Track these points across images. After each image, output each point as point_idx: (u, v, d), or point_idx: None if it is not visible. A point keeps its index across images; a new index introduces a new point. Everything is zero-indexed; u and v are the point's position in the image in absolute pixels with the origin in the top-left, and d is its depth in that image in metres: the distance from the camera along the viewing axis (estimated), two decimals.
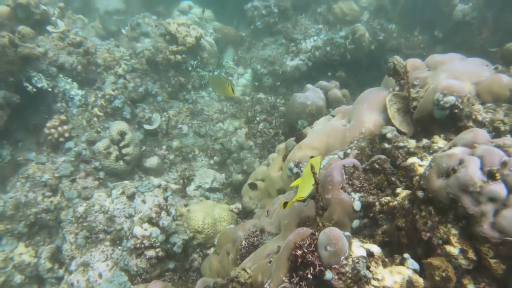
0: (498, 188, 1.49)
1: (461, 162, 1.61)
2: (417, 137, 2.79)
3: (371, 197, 2.41)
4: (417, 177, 2.25)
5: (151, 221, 3.58)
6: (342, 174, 2.46)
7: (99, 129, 5.11)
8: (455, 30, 5.18)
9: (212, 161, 5.49)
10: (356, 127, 3.02)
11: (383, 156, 2.51)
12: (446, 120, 2.60)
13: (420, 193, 1.80)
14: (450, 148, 1.79)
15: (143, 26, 5.91)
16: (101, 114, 5.12)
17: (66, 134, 5.03)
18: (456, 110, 2.52)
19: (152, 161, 5.17)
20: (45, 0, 5.34)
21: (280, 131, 5.38)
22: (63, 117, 5.13)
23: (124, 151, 4.81)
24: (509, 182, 1.49)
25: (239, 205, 4.18)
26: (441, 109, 2.55)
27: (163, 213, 3.69)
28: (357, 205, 2.32)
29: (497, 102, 2.75)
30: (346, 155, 2.88)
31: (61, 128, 4.98)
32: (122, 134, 4.80)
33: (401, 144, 2.54)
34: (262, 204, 3.71)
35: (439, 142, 2.51)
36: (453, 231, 1.66)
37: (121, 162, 4.87)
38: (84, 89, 5.32)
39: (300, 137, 3.55)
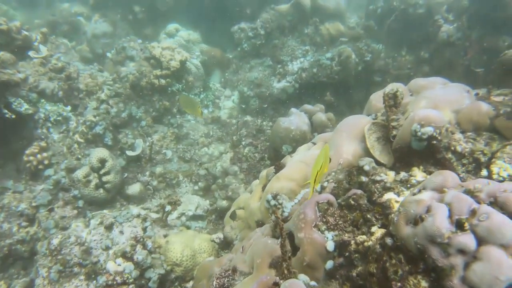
0: (467, 240, 1.36)
1: (428, 209, 1.48)
2: (396, 168, 2.68)
3: (346, 235, 2.27)
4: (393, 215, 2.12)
5: (125, 256, 3.42)
6: (316, 212, 2.33)
7: (79, 156, 4.99)
8: (440, 50, 5.13)
9: (196, 187, 5.35)
10: (334, 158, 2.90)
11: (359, 191, 2.38)
12: (424, 151, 2.49)
13: (388, 240, 1.67)
14: (419, 191, 1.67)
15: (129, 49, 5.86)
16: (81, 140, 5.01)
17: (46, 162, 4.90)
18: (434, 142, 2.41)
19: (134, 188, 5.03)
20: (27, 26, 5.29)
21: (266, 155, 5.26)
22: (43, 143, 5.01)
23: (104, 178, 4.68)
24: (479, 232, 1.36)
25: (221, 235, 4.02)
26: (419, 141, 2.44)
27: (139, 247, 3.53)
28: (330, 246, 2.18)
29: (478, 131, 2.65)
30: (323, 188, 2.75)
31: (40, 155, 4.86)
32: (103, 161, 4.67)
33: (378, 178, 2.42)
34: (242, 236, 3.55)
35: (418, 175, 2.38)
36: (423, 283, 1.52)
37: (101, 190, 4.73)
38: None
39: (279, 167, 3.43)
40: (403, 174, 2.42)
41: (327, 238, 2.22)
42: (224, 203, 4.99)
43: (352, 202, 2.34)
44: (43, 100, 5.01)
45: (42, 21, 7.37)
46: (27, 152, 4.84)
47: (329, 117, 4.67)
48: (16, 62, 4.99)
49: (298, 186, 3.07)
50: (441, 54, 5.20)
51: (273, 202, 3.13)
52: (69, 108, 5.07)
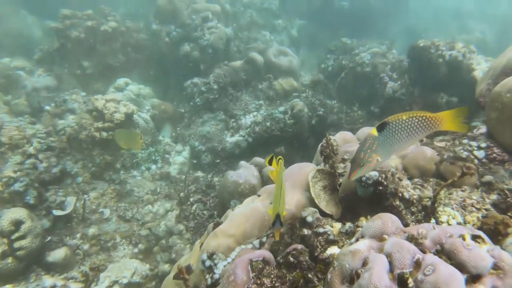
0: None
1: (365, 262, 1.16)
2: (345, 219, 2.38)
3: None
4: None
5: None
6: (248, 272, 1.92)
7: None
8: (388, 105, 5.22)
9: (136, 250, 4.73)
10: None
11: (300, 246, 2.03)
12: (371, 198, 2.23)
13: None
14: (357, 240, 1.36)
15: (70, 102, 5.51)
16: None
17: None
18: (380, 187, 2.16)
19: (57, 254, 4.31)
20: None
21: (215, 212, 4.82)
22: None
23: (17, 244, 3.95)
24: None
25: None
26: (364, 187, 2.19)
27: None
28: None
29: (425, 176, 2.47)
30: (262, 244, 2.38)
31: None
32: (18, 223, 4.00)
33: (321, 230, 2.11)
34: None
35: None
36: None
37: (10, 260, 3.95)
38: None
39: (217, 225, 3.03)
40: (348, 225, 2.12)
41: None
42: (167, 267, 4.40)
43: (292, 260, 1.98)
44: None
45: None
46: None
47: None
48: None
49: (236, 243, 2.66)
50: (389, 109, 5.29)
51: (208, 263, 2.67)
52: None
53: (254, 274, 1.94)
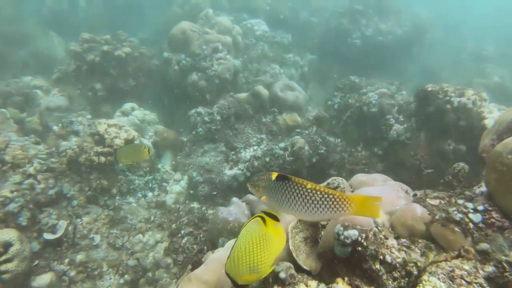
0: None
1: None
2: (322, 277, 2.23)
3: None
4: None
5: None
6: None
7: None
8: (391, 148, 5.08)
9: (122, 281, 4.60)
10: None
11: None
12: (350, 259, 2.08)
13: None
14: None
15: (75, 124, 5.59)
16: None
17: None
18: (359, 248, 2.02)
19: (42, 280, 4.24)
20: None
21: (205, 247, 4.67)
22: None
23: (3, 267, 3.92)
24: None
25: None
26: (342, 246, 2.05)
27: None
28: None
29: (413, 237, 2.30)
30: None
31: None
32: (7, 245, 3.98)
33: None
34: None
35: None
36: None
37: None
38: None
39: (196, 264, 2.90)
40: (322, 287, 1.97)
41: None
42: None
43: None
44: None
45: None
46: None
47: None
48: None
49: None
50: (393, 152, 5.14)
51: None
52: None
53: None
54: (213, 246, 4.24)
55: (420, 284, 1.89)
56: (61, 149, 5.24)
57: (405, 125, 5.05)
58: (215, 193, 5.66)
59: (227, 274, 1.64)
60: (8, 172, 4.70)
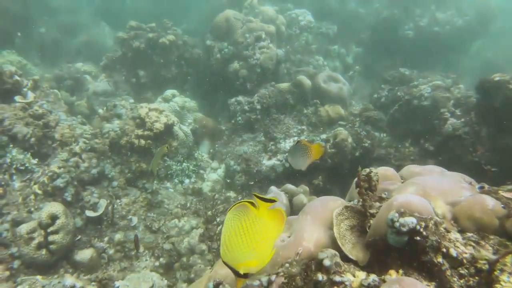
0: None
1: None
2: (371, 268, 2.00)
3: None
4: None
5: None
6: None
7: (32, 209, 4.44)
8: (445, 144, 4.66)
9: (157, 263, 4.59)
10: (293, 245, 2.24)
11: None
12: (405, 250, 1.84)
13: None
14: None
15: (119, 108, 5.69)
16: (40, 192, 4.52)
17: None
18: (418, 238, 1.77)
19: (84, 254, 4.33)
20: (21, 72, 5.27)
21: None
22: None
23: (51, 238, 4.05)
24: None
25: None
26: (397, 234, 1.81)
27: None
28: None
29: (482, 232, 2.00)
30: (269, 283, 2.06)
31: None
32: (54, 217, 4.10)
33: (338, 278, 1.76)
34: None
35: None
36: None
37: (44, 251, 4.06)
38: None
39: None
40: (372, 278, 1.74)
41: None
42: (184, 286, 4.22)
43: None
44: (11, 145, 4.68)
45: (51, 75, 7.53)
46: None
47: (311, 200, 4.06)
48: None
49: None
50: (448, 148, 4.71)
51: None
52: (35, 161, 4.70)
53: None
54: None
55: (498, 285, 1.61)
56: (104, 131, 5.35)
57: (462, 120, 4.62)
58: (252, 183, 5.53)
59: (224, 263, 1.47)
60: (56, 149, 4.86)
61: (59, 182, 4.53)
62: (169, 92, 6.41)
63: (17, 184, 4.73)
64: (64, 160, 4.78)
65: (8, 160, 4.71)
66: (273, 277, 2.08)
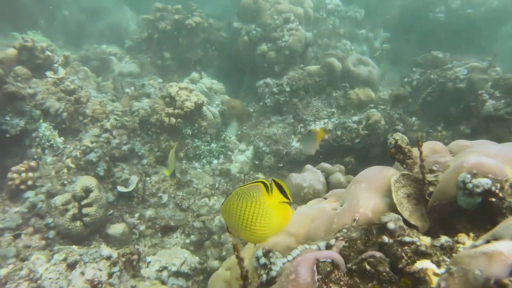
0: None
1: None
2: (433, 234, 1.95)
3: None
4: None
5: None
6: (313, 273, 1.60)
7: (65, 182, 4.49)
8: (485, 125, 4.53)
9: (188, 240, 4.61)
10: (348, 212, 2.20)
11: (378, 254, 1.66)
12: (477, 212, 1.78)
13: None
14: (487, 242, 0.98)
15: (147, 87, 5.69)
16: (72, 166, 4.56)
17: (30, 182, 4.42)
18: (493, 199, 1.71)
19: (116, 228, 4.37)
20: (52, 47, 5.30)
21: None
22: (33, 163, 4.59)
23: (85, 210, 4.10)
24: None
25: None
26: (469, 196, 1.75)
27: None
28: None
29: None
30: (328, 247, 2.03)
31: (26, 174, 4.40)
32: (87, 191, 4.15)
33: (408, 239, 1.71)
34: None
35: (467, 242, 1.65)
36: None
37: (78, 223, 4.12)
38: (65, 138, 4.88)
39: None
40: (445, 239, 1.69)
41: None
42: (216, 263, 4.21)
43: (368, 267, 1.61)
44: (41, 120, 4.72)
45: (77, 55, 7.57)
46: (13, 169, 4.41)
47: (348, 179, 4.00)
48: (30, 78, 4.85)
49: (297, 243, 2.34)
50: (487, 129, 4.57)
51: (262, 261, 2.38)
52: (61, 140, 4.72)
53: (320, 276, 1.62)
54: None
55: None
56: (134, 109, 5.36)
57: (502, 101, 4.47)
58: (281, 165, 5.49)
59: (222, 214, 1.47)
60: (88, 125, 4.89)
61: (92, 156, 4.56)
62: (196, 74, 6.38)
63: (49, 158, 4.78)
64: (96, 136, 4.81)
65: (40, 134, 4.76)
66: (332, 241, 2.04)
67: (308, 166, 4.17)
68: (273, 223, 1.53)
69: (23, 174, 4.42)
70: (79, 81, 5.18)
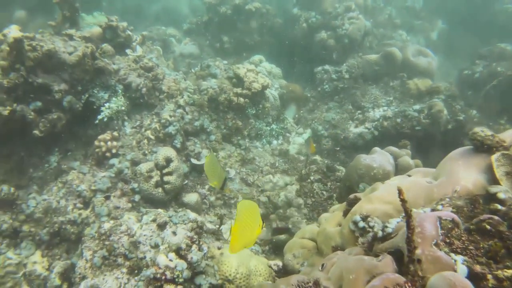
0: None
1: None
2: None
3: (478, 266, 1.76)
4: None
5: (179, 252, 3.04)
6: (437, 228, 1.87)
7: (146, 152, 4.90)
8: None
9: None
10: (449, 184, 2.44)
11: (496, 217, 1.91)
12: None
13: None
14: None
15: (213, 68, 6.01)
16: (152, 137, 4.96)
17: (114, 150, 4.85)
18: None
19: (191, 198, 4.76)
20: (131, 27, 5.68)
21: (334, 195, 4.81)
22: (115, 133, 5.03)
23: (166, 178, 4.49)
24: None
25: (279, 262, 3.52)
26: None
27: (194, 247, 3.15)
28: (462, 270, 1.69)
29: None
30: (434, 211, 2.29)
31: (111, 143, 4.84)
32: (168, 160, 4.53)
33: None
34: (311, 262, 3.05)
35: None
36: None
37: (160, 190, 4.52)
38: (142, 113, 5.28)
39: (353, 201, 3.01)
40: None
41: (456, 260, 1.73)
42: (282, 236, 4.53)
43: (488, 227, 1.86)
44: (117, 97, 5.09)
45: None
46: (100, 137, 4.84)
47: (417, 163, 4.22)
48: (113, 55, 5.26)
49: (395, 211, 2.61)
50: None
51: (361, 224, 2.67)
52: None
53: (443, 232, 1.88)
54: (349, 191, 4.32)
55: None
56: (202, 87, 5.70)
57: None
58: (338, 148, 5.74)
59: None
60: (163, 100, 5.27)
61: (171, 129, 4.94)
62: (256, 57, 6.65)
63: (128, 130, 5.20)
64: (172, 111, 5.18)
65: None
66: (439, 207, 2.30)
67: (377, 148, 4.40)
68: (247, 239, 2.04)
69: (109, 143, 4.85)
70: (156, 59, 5.55)
